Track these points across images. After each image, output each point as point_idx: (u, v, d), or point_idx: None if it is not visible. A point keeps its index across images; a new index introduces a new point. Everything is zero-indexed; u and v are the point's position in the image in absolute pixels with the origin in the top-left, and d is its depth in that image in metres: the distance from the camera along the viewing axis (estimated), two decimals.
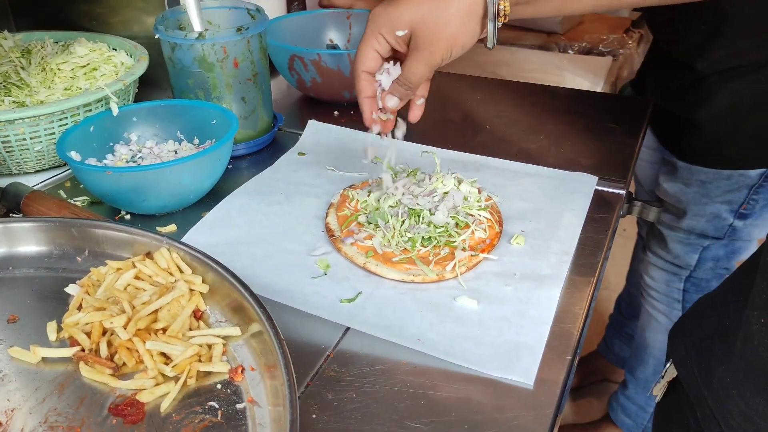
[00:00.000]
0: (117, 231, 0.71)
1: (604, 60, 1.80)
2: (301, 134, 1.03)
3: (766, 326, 0.56)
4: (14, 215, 0.82)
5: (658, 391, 0.85)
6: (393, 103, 0.75)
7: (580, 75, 1.71)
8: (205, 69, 0.90)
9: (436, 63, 0.71)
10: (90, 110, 0.89)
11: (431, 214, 0.77)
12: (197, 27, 0.92)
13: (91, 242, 0.72)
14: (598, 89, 1.62)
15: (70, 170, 0.94)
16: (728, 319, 0.68)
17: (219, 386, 0.58)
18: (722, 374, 0.64)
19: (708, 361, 0.69)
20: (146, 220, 0.84)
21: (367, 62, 0.72)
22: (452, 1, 0.67)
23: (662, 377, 0.84)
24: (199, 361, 0.60)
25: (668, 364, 0.82)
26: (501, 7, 0.67)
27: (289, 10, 1.33)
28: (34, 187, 0.87)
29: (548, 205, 0.85)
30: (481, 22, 0.69)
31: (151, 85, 1.08)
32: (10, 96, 0.94)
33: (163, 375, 0.58)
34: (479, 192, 0.82)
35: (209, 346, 0.61)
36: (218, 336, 0.61)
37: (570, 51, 1.86)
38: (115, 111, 0.89)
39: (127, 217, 0.84)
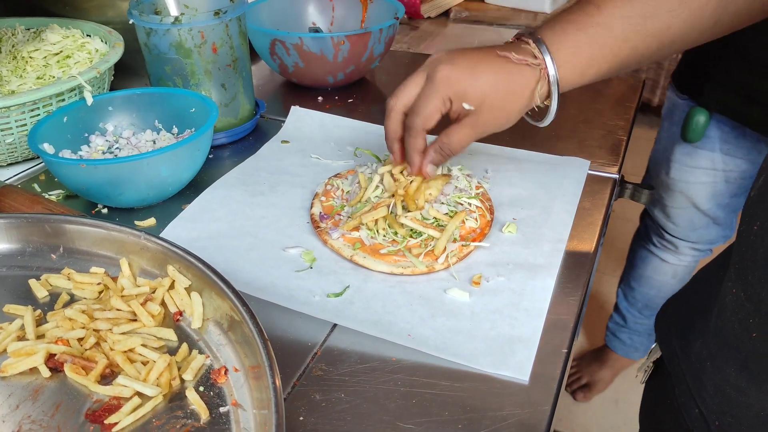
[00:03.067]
0: (92, 227, 0.68)
1: None
2: (284, 121, 1.00)
3: (737, 296, 0.56)
4: None
5: (642, 371, 0.85)
6: (431, 170, 0.73)
7: None
8: (182, 55, 0.86)
9: (482, 136, 0.70)
10: (63, 100, 0.85)
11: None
12: (173, 11, 0.89)
13: (66, 239, 0.69)
14: None
15: (44, 163, 0.91)
16: (707, 294, 0.68)
17: (202, 389, 0.56)
18: (699, 349, 0.64)
19: (687, 337, 0.68)
20: (124, 213, 0.80)
21: (431, 122, 0.69)
22: (520, 75, 0.67)
23: (648, 357, 0.83)
24: (178, 369, 0.57)
25: (653, 345, 0.82)
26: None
27: None
28: (7, 181, 0.84)
29: (540, 192, 0.82)
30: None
31: (128, 72, 1.04)
32: None
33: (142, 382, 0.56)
34: (469, 179, 0.80)
35: (189, 350, 0.59)
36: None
37: None
38: (90, 100, 0.85)
39: (104, 211, 0.81)
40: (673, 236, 1.49)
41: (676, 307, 0.78)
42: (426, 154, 0.72)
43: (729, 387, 0.58)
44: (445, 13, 1.89)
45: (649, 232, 1.57)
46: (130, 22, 0.87)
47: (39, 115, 0.84)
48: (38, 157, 0.91)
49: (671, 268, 1.55)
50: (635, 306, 1.68)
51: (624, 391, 1.91)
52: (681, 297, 0.78)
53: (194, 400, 0.54)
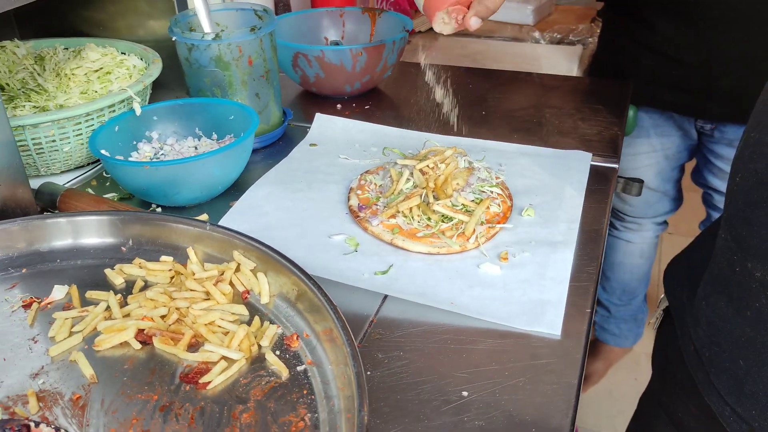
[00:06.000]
0: (160, 221, 0.75)
1: (574, 49, 1.89)
2: (308, 127, 1.09)
3: (725, 240, 0.67)
4: (49, 213, 0.86)
5: (654, 319, 0.95)
6: (476, 23, 0.83)
7: (554, 64, 1.80)
8: (221, 68, 0.95)
9: None
10: (114, 111, 0.93)
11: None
12: (207, 29, 0.97)
13: (135, 232, 0.76)
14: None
15: (95, 169, 0.99)
16: (708, 248, 0.78)
17: (278, 353, 0.63)
18: (700, 293, 0.75)
19: (694, 286, 0.79)
20: (176, 212, 0.88)
21: None
22: None
23: (658, 306, 0.93)
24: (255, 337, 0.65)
25: (662, 295, 0.92)
26: None
27: (276, 13, 1.39)
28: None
29: (550, 181, 0.92)
30: None
31: (160, 87, 1.12)
32: (30, 101, 0.97)
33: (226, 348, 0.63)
34: (488, 171, 0.89)
35: (261, 322, 0.67)
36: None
37: (542, 41, 1.94)
38: (138, 111, 0.93)
39: (158, 210, 0.89)
40: (633, 216, 1.65)
41: (681, 262, 0.88)
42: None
43: (718, 318, 0.69)
44: None
45: (610, 220, 1.73)
46: (173, 39, 0.95)
47: (93, 125, 0.92)
48: (88, 165, 0.99)
49: (637, 248, 1.70)
50: (614, 294, 1.81)
51: (617, 382, 2.01)
52: (685, 253, 0.89)
53: (274, 361, 0.62)
